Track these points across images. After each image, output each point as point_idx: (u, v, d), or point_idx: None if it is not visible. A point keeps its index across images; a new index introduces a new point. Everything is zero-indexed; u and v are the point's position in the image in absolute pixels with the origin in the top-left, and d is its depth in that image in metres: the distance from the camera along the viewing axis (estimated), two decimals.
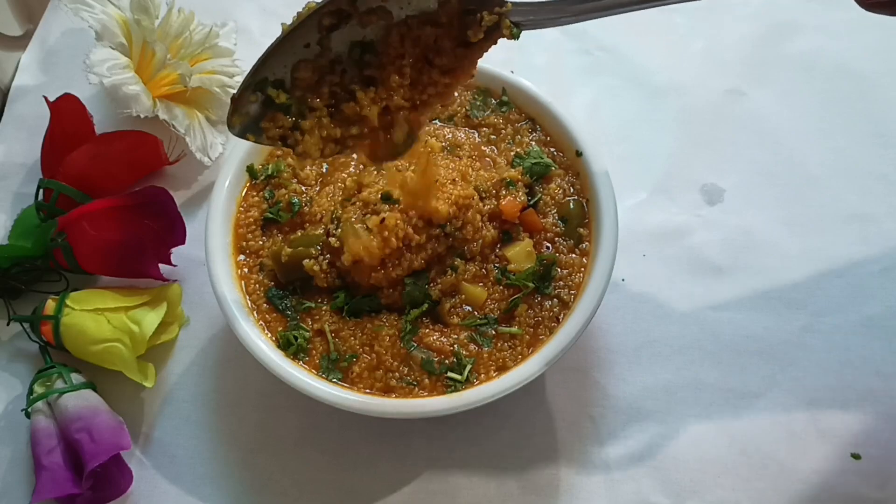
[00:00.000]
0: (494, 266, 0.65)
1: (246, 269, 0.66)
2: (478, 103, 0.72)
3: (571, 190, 0.68)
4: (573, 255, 0.65)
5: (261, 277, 0.66)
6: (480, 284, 0.64)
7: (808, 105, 0.84)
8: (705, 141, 0.82)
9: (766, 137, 0.82)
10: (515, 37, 0.54)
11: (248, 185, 0.69)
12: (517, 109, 0.72)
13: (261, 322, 0.64)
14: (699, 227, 0.77)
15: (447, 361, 0.61)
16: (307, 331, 0.63)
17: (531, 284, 0.64)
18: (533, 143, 0.70)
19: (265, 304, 0.65)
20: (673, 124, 0.83)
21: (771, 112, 0.84)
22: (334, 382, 0.61)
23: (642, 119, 0.84)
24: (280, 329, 0.63)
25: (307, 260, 0.64)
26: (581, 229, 0.66)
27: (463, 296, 0.64)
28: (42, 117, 0.76)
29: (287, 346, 0.62)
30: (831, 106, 0.84)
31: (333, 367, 0.62)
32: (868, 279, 0.74)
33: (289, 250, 0.65)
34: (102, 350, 0.66)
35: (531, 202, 0.67)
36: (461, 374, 0.61)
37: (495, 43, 0.55)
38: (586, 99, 0.85)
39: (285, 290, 0.65)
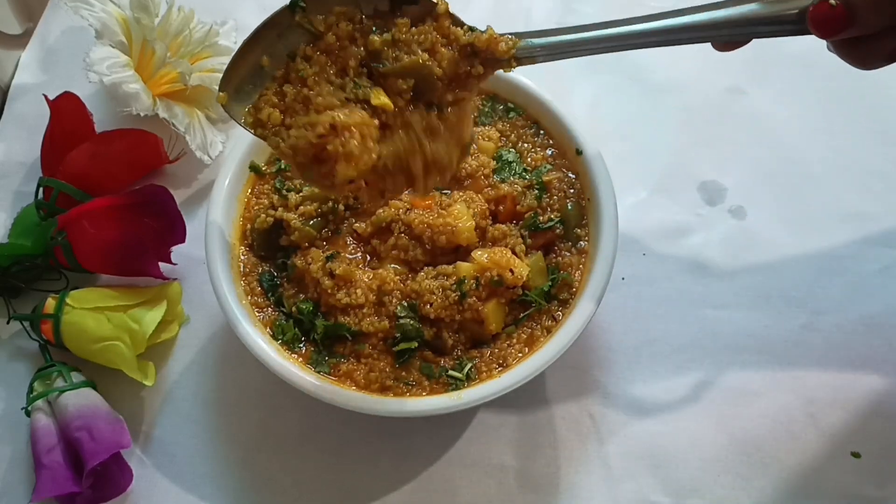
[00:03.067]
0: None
1: (245, 247, 0.67)
2: (486, 109, 0.72)
3: (572, 191, 0.67)
4: (572, 256, 0.65)
5: (254, 258, 0.66)
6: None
7: (808, 103, 0.84)
8: (705, 139, 0.82)
9: (767, 136, 0.82)
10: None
11: (251, 178, 0.69)
12: (525, 115, 0.71)
13: (256, 310, 0.64)
14: (699, 226, 0.77)
15: (446, 364, 0.62)
16: (292, 329, 0.63)
17: (544, 303, 0.63)
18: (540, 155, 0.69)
19: (258, 287, 0.65)
20: (673, 123, 0.83)
21: (771, 110, 0.84)
22: (327, 378, 0.60)
23: (642, 117, 0.84)
24: (273, 317, 0.64)
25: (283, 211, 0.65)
26: (578, 229, 0.66)
27: (471, 330, 0.62)
28: (42, 116, 0.76)
29: (279, 335, 0.63)
30: (831, 104, 0.84)
31: (322, 361, 0.62)
32: (868, 277, 0.74)
33: (264, 217, 0.66)
34: (102, 348, 0.66)
35: (546, 225, 0.66)
36: (461, 371, 0.61)
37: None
38: (586, 97, 0.85)
39: (273, 275, 0.65)
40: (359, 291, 0.62)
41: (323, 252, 0.64)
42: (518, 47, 0.56)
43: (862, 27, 0.50)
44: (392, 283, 0.62)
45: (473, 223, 0.63)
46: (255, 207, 0.68)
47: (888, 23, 0.50)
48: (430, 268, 0.63)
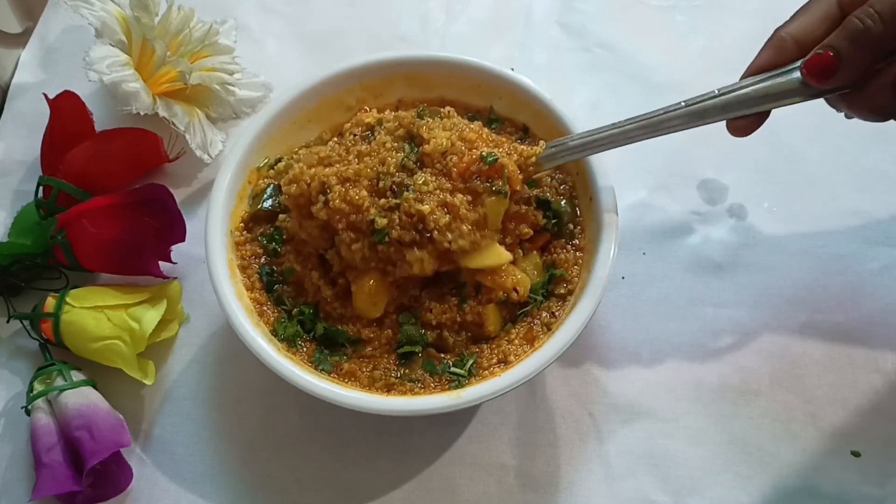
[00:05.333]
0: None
1: (244, 229, 0.67)
2: None
3: (563, 187, 0.68)
4: (567, 252, 0.65)
5: (256, 248, 0.66)
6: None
7: (808, 102, 0.84)
8: (705, 138, 0.81)
9: (766, 135, 0.81)
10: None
11: (252, 175, 0.69)
12: (508, 122, 0.71)
13: (256, 305, 0.64)
14: (699, 225, 0.77)
15: (449, 360, 0.62)
16: (294, 326, 0.63)
17: (541, 298, 0.64)
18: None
19: (258, 283, 0.65)
20: None
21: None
22: (327, 377, 0.61)
23: None
24: (274, 315, 0.64)
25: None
26: (571, 225, 0.66)
27: (471, 331, 0.63)
28: (42, 115, 0.76)
29: (281, 332, 0.63)
30: None
31: (325, 360, 0.62)
32: (868, 277, 0.74)
33: (262, 185, 0.68)
34: (102, 347, 0.66)
35: (546, 226, 0.66)
36: (463, 368, 0.61)
37: None
38: (587, 96, 0.85)
39: (271, 271, 0.65)
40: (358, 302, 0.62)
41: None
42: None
43: (851, 66, 0.54)
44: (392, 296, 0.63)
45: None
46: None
47: (872, 57, 0.54)
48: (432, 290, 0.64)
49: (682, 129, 0.60)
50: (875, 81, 0.55)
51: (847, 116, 0.60)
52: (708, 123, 0.60)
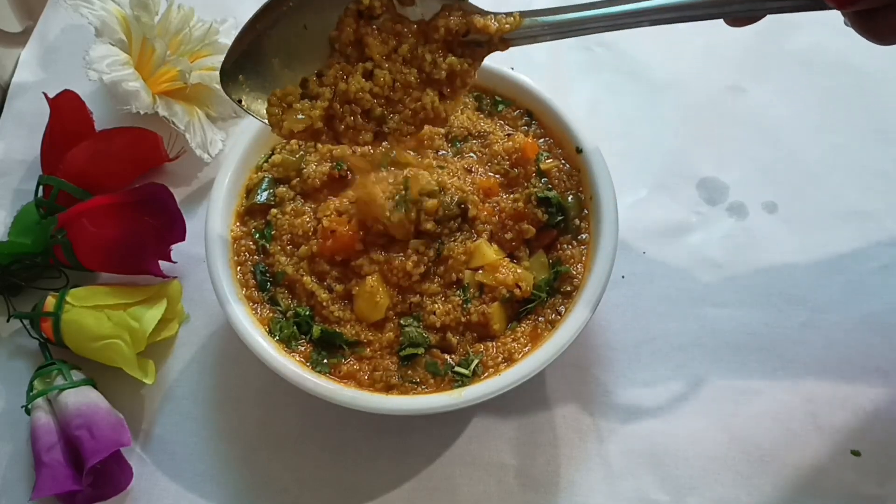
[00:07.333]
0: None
1: (239, 224, 0.67)
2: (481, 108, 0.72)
3: (571, 182, 0.67)
4: (573, 248, 0.65)
5: (249, 244, 0.66)
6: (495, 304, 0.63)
7: (809, 101, 0.84)
8: (706, 137, 0.82)
9: (767, 134, 0.82)
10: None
11: (251, 175, 0.69)
12: (513, 105, 0.71)
13: (251, 304, 0.63)
14: (699, 224, 0.77)
15: (453, 361, 0.62)
16: (290, 327, 0.63)
17: (544, 295, 0.63)
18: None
19: (252, 280, 0.65)
20: (673, 121, 0.83)
21: (771, 108, 0.84)
22: (326, 375, 0.60)
23: (642, 116, 0.84)
24: (269, 314, 0.63)
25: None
26: (578, 221, 0.66)
27: (476, 331, 0.63)
28: (42, 114, 0.76)
29: (276, 332, 0.62)
30: (831, 102, 0.84)
31: (322, 362, 0.61)
32: (868, 276, 0.74)
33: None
34: (102, 347, 0.66)
35: (551, 222, 0.65)
36: (468, 368, 0.60)
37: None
38: (586, 95, 0.85)
39: (265, 271, 0.65)
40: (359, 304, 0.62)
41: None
42: (522, 26, 0.56)
43: None
44: (393, 300, 0.62)
45: (495, 252, 0.64)
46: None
47: None
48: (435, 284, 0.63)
49: (671, 22, 0.53)
50: (893, 15, 0.49)
51: (845, 23, 0.55)
52: (698, 18, 0.53)
